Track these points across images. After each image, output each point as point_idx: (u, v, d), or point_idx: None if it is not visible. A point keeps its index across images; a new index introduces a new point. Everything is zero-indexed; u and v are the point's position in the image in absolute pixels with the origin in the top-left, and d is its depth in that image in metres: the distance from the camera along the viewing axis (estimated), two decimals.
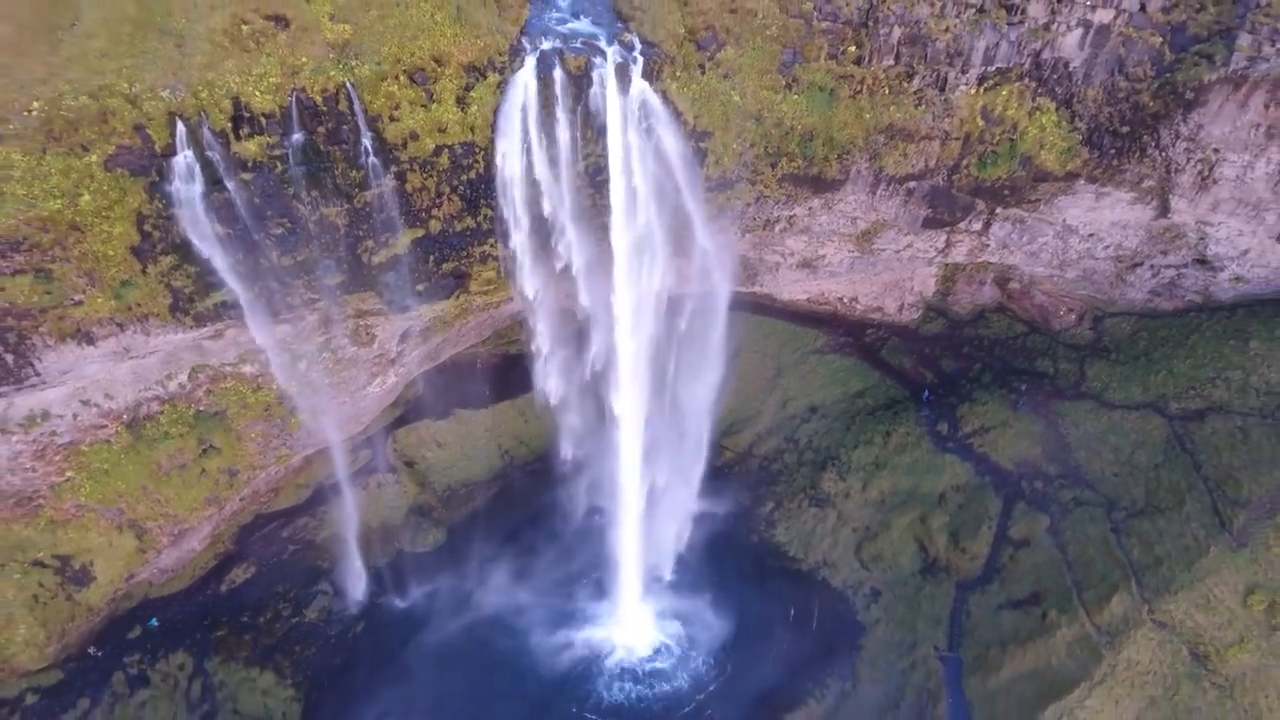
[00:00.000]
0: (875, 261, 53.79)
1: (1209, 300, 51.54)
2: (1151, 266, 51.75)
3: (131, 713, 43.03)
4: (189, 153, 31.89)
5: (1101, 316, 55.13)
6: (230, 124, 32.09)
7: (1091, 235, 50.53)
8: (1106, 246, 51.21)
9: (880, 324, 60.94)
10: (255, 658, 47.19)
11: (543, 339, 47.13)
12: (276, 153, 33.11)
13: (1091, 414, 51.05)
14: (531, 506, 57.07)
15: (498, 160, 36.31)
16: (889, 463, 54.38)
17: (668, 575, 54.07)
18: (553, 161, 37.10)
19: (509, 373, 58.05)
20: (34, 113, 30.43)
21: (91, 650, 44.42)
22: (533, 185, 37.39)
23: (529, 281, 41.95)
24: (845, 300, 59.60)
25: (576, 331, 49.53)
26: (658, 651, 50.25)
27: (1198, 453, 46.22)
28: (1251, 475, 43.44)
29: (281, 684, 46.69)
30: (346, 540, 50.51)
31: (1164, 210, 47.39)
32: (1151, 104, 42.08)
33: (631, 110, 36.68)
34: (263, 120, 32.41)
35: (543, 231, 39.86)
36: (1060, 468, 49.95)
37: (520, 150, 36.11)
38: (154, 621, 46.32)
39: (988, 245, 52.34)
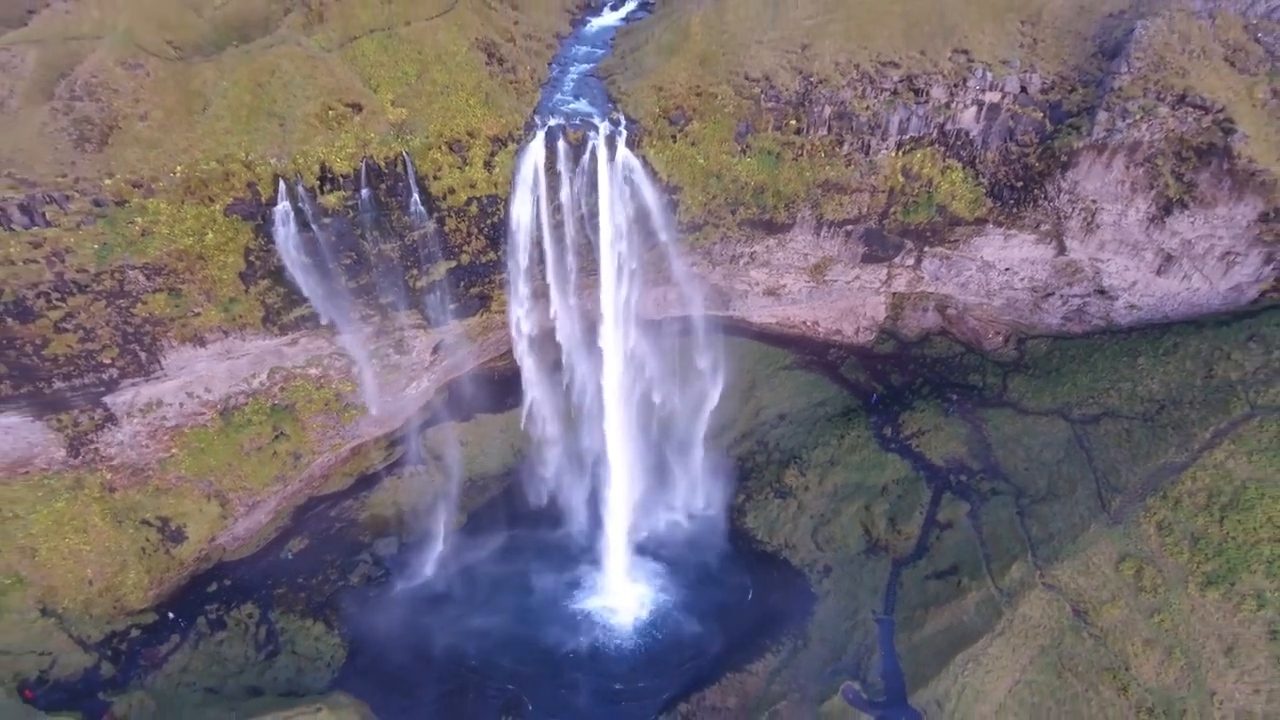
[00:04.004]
0: (830, 290, 63.95)
1: (1111, 324, 60.97)
2: (1061, 296, 61.46)
3: (212, 648, 53.07)
4: (286, 203, 42.90)
5: (1024, 338, 64.74)
6: (317, 182, 43.20)
7: (1008, 269, 60.44)
8: (1022, 279, 61.05)
9: (840, 345, 70.95)
10: (309, 611, 57.02)
11: (534, 356, 57.62)
12: (350, 203, 44.17)
13: (1010, 419, 60.46)
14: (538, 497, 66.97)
15: (514, 209, 47.17)
16: (842, 460, 63.90)
17: (653, 554, 63.67)
18: (556, 210, 47.96)
19: (521, 383, 68.31)
20: (177, 174, 41.67)
21: (170, 615, 54.35)
22: (540, 228, 48.19)
23: (528, 306, 52.60)
24: (809, 324, 69.76)
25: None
26: (642, 614, 59.47)
27: (1092, 449, 55.33)
28: (1129, 467, 52.50)
29: (330, 633, 56.40)
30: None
31: (1062, 249, 57.32)
32: (1037, 164, 52.36)
33: (618, 171, 47.50)
34: (341, 179, 43.49)
35: (545, 263, 50.59)
36: (981, 464, 59.22)
37: (531, 201, 46.97)
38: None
39: (923, 278, 62.36)
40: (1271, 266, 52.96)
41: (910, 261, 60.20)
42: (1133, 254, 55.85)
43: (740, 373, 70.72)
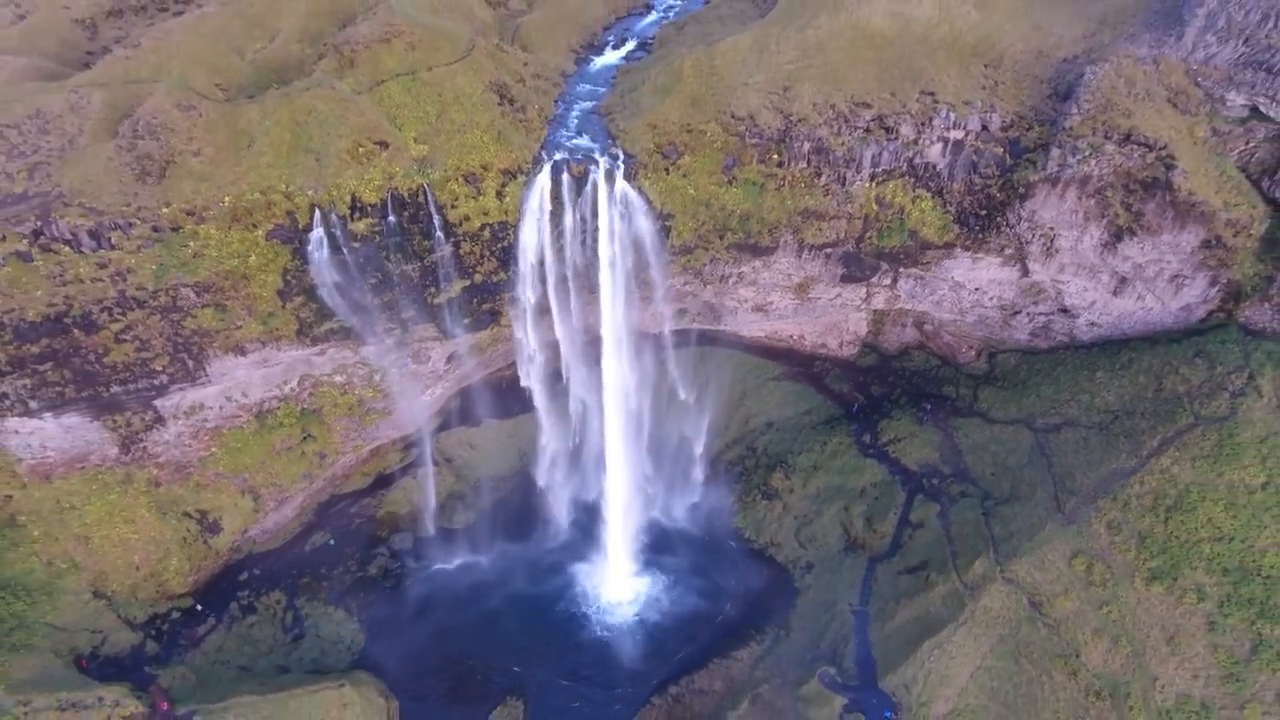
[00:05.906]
0: (814, 307, 68.95)
1: (1074, 340, 65.59)
2: (1028, 314, 66.22)
3: (244, 631, 58.16)
4: (320, 229, 48.28)
5: (995, 353, 69.47)
6: (349, 211, 48.59)
7: (977, 289, 65.28)
8: (991, 298, 65.87)
9: (826, 357, 75.82)
10: (330, 599, 61.96)
11: (536, 369, 62.77)
12: (377, 229, 49.56)
13: (979, 428, 65.16)
14: (542, 496, 71.96)
15: (523, 234, 52.45)
16: (824, 465, 68.67)
17: (650, 551, 68.54)
18: (559, 235, 53.24)
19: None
20: (225, 203, 47.15)
21: (198, 607, 59.19)
22: (545, 251, 53.43)
23: (534, 321, 57.82)
24: (795, 338, 74.72)
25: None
26: (639, 604, 64.25)
27: (1052, 456, 59.93)
28: (1084, 472, 57.09)
29: (350, 619, 61.31)
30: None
31: (1025, 271, 62.16)
32: (999, 195, 57.34)
33: (616, 200, 52.75)
34: (369, 208, 48.87)
35: (549, 284, 55.80)
36: (952, 468, 63.91)
37: (537, 228, 52.28)
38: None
39: (899, 296, 67.31)
40: (1217, 288, 57.59)
41: (887, 281, 65.17)
42: (1090, 276, 60.58)
43: (732, 383, 75.65)
